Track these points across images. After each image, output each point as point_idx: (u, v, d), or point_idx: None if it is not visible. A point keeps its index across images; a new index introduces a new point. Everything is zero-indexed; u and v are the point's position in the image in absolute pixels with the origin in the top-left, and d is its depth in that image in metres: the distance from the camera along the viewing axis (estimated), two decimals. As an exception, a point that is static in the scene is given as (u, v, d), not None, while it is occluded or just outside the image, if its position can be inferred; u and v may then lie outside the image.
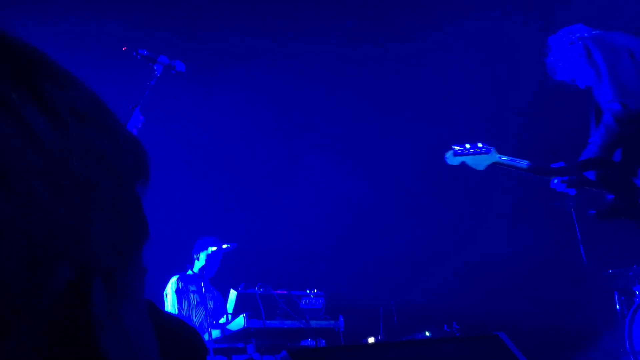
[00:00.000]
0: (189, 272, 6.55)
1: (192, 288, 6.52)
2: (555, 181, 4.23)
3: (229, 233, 6.93)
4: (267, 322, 5.96)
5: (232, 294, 6.05)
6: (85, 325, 0.48)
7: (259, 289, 6.12)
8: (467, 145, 4.44)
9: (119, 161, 0.53)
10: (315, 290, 6.33)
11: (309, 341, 6.26)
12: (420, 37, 8.44)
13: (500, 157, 4.41)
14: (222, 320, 6.04)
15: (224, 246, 6.47)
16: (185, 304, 6.47)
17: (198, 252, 6.58)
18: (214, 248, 6.49)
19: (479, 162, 4.43)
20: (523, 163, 4.35)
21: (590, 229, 7.76)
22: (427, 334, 6.56)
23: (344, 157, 8.95)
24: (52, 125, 0.49)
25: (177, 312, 6.38)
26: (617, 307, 6.94)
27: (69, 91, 0.53)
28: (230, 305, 6.03)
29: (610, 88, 3.88)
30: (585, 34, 4.23)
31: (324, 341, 6.33)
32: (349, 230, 8.89)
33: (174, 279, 6.56)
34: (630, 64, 3.89)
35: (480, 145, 4.44)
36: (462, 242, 8.75)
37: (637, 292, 6.63)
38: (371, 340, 6.85)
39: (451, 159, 4.47)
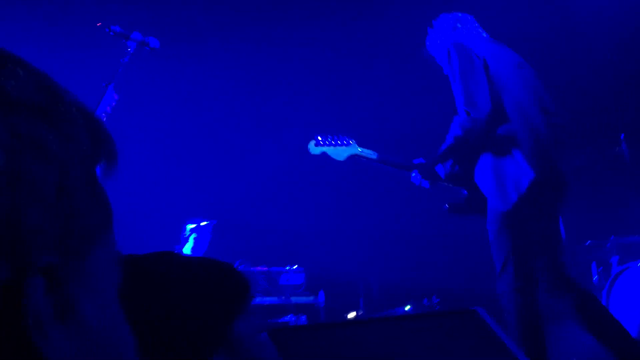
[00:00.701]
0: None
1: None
2: (413, 174, 4.43)
3: (210, 211, 6.90)
4: (247, 299, 5.95)
5: (212, 271, 6.03)
6: (24, 329, 0.46)
7: (238, 266, 6.11)
8: (330, 136, 4.67)
9: (65, 149, 0.50)
10: (295, 266, 6.33)
11: (290, 317, 6.27)
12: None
13: (358, 150, 4.66)
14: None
15: (202, 223, 6.47)
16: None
17: (183, 234, 6.58)
18: (192, 226, 6.48)
19: (339, 153, 4.69)
20: (373, 155, 4.61)
21: (569, 202, 7.82)
22: (407, 308, 6.59)
23: (321, 130, 8.91)
24: None
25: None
26: (595, 278, 7.02)
27: (9, 80, 0.49)
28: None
29: (460, 95, 4.04)
30: (458, 33, 4.40)
31: (304, 317, 6.35)
32: (328, 205, 8.88)
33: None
34: (483, 77, 4.05)
35: (340, 137, 4.67)
36: (441, 216, 8.77)
37: (613, 264, 6.69)
38: (352, 315, 6.87)
39: (313, 149, 4.72)
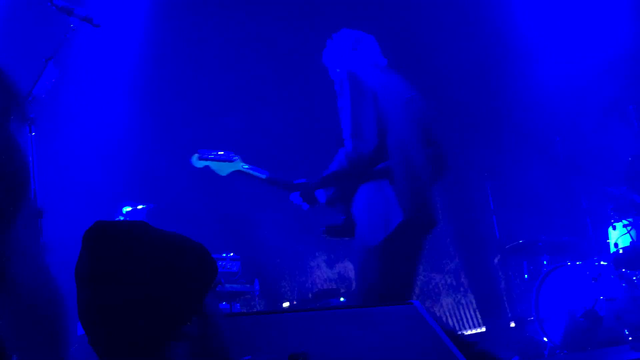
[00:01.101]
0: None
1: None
2: (292, 195, 4.54)
3: (146, 195, 6.81)
4: (182, 285, 5.90)
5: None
6: None
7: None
8: (213, 151, 4.71)
9: None
10: (232, 254, 6.30)
11: (224, 305, 6.24)
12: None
13: (243, 166, 4.71)
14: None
15: (139, 207, 6.38)
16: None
17: (118, 216, 6.46)
18: (129, 209, 6.38)
19: (222, 169, 4.73)
20: (262, 174, 4.67)
21: (504, 203, 7.99)
22: (342, 299, 6.62)
23: (262, 113, 8.86)
24: None
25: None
26: (526, 276, 7.17)
27: None
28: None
29: (348, 125, 4.12)
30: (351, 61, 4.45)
31: (239, 305, 6.33)
32: (266, 193, 8.85)
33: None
34: (372, 111, 4.11)
35: (222, 152, 4.71)
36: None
37: (544, 262, 6.85)
38: (286, 305, 6.88)
39: (196, 162, 4.76)
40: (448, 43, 8.37)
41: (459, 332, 7.34)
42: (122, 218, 6.40)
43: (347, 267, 8.91)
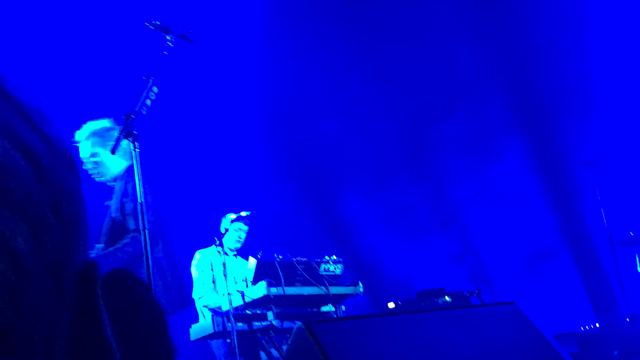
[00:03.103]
0: (213, 246, 6.59)
1: (215, 260, 6.55)
2: None
3: (249, 203, 6.95)
4: (287, 289, 5.98)
5: (252, 262, 6.08)
6: None
7: (278, 257, 6.14)
8: None
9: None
10: (335, 257, 6.33)
11: (330, 307, 6.28)
12: None
13: None
14: (243, 288, 6.08)
15: (243, 214, 6.52)
16: (207, 275, 6.50)
17: (222, 225, 6.62)
18: (233, 216, 6.53)
19: None
20: None
21: (611, 194, 7.74)
22: (447, 299, 6.56)
23: (361, 118, 8.89)
24: None
25: (200, 285, 6.44)
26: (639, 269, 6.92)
27: None
28: (250, 273, 6.05)
29: None
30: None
31: (343, 307, 6.35)
32: (368, 196, 8.87)
33: (196, 255, 6.61)
34: None
35: None
36: (485, 212, 8.72)
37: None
38: (391, 305, 6.86)
39: None
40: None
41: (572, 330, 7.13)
42: (228, 226, 6.55)
43: (452, 266, 8.83)
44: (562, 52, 8.36)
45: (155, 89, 4.02)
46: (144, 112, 3.96)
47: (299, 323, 2.69)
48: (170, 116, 7.33)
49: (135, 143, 3.84)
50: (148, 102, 3.98)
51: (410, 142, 8.78)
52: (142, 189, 3.77)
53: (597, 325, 7.16)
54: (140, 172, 3.79)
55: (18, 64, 6.88)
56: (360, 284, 6.30)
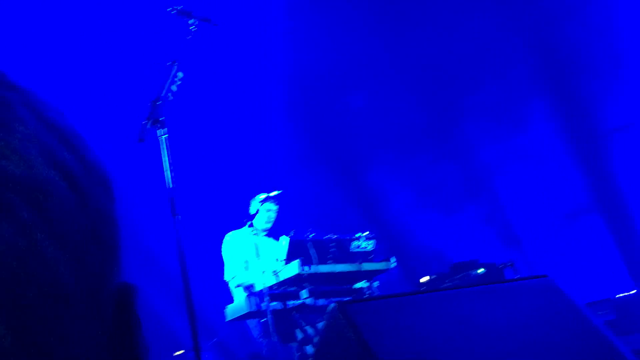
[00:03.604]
0: (244, 227, 6.62)
1: (247, 241, 6.58)
2: None
3: (278, 183, 6.96)
4: (320, 267, 6.00)
5: (284, 240, 6.10)
6: None
7: (310, 235, 6.15)
8: None
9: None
10: (367, 233, 6.33)
11: (364, 283, 6.29)
12: None
13: None
14: (276, 267, 6.10)
15: (272, 194, 6.53)
16: (240, 257, 6.54)
17: (252, 207, 6.64)
18: (263, 196, 6.55)
19: None
20: None
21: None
22: (481, 271, 6.53)
23: (387, 92, 8.84)
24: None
25: (232, 266, 6.48)
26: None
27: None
28: (283, 252, 6.08)
29: None
30: None
31: (377, 283, 6.36)
32: (396, 170, 8.83)
33: (227, 236, 6.64)
34: None
35: None
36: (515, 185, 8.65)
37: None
38: (424, 279, 6.85)
39: None
40: None
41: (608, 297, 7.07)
42: (258, 206, 6.57)
43: (484, 236, 8.79)
44: (590, 9, 8.19)
45: (180, 74, 4.03)
46: (170, 98, 3.97)
47: (332, 304, 2.69)
48: (195, 99, 7.35)
49: (163, 129, 3.85)
50: (174, 87, 3.98)
51: (437, 113, 8.72)
52: (171, 175, 3.79)
53: (635, 291, 7.08)
54: (168, 157, 3.81)
55: (42, 55, 6.93)
56: (393, 259, 6.29)
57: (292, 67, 8.55)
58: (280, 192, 6.61)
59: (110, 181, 0.54)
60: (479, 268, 6.53)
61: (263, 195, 6.58)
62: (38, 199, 0.46)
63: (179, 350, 7.42)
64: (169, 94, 3.97)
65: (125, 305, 0.52)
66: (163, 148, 3.81)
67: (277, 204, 6.61)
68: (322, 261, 6.04)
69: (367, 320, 2.55)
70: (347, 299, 6.09)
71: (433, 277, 6.83)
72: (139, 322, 0.53)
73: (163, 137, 3.83)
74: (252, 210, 6.63)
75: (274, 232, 6.65)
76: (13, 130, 0.47)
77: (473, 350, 2.44)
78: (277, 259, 6.15)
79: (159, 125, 3.85)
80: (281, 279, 5.96)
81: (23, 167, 0.46)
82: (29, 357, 0.43)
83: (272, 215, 6.61)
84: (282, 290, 6.03)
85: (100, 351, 0.48)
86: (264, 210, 6.59)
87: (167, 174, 3.78)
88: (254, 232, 6.61)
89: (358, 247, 6.26)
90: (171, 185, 3.77)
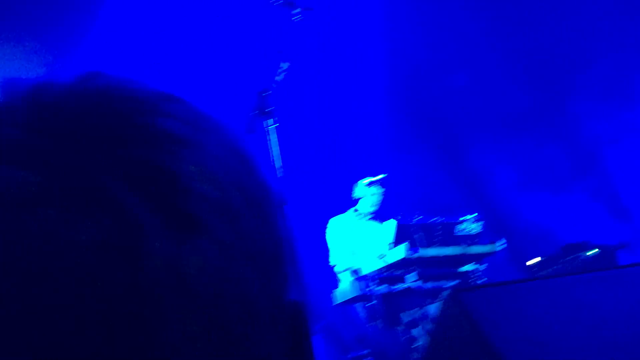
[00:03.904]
0: (349, 211, 6.67)
1: (352, 225, 6.62)
2: None
3: (382, 167, 6.96)
4: (426, 250, 5.98)
5: (391, 224, 6.11)
6: None
7: (416, 218, 6.14)
8: None
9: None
10: (474, 216, 6.26)
11: (470, 266, 6.24)
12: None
13: None
14: (382, 251, 6.12)
15: (377, 177, 6.55)
16: (345, 240, 6.58)
17: (356, 191, 6.67)
18: (367, 180, 6.57)
19: None
20: None
21: None
22: (593, 252, 6.34)
23: (491, 71, 8.67)
24: None
25: (337, 251, 6.53)
26: None
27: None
28: (389, 236, 6.09)
29: None
30: None
31: (484, 266, 6.29)
32: (502, 149, 8.68)
33: (332, 221, 6.69)
34: None
35: None
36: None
37: None
38: (533, 261, 6.73)
39: None
40: None
41: None
42: (364, 190, 6.59)
43: (594, 216, 8.54)
44: None
45: (285, 64, 4.07)
46: (277, 88, 4.02)
47: (445, 292, 2.68)
48: (299, 85, 7.42)
49: (271, 119, 3.91)
50: (279, 77, 4.04)
51: (543, 91, 8.49)
52: (280, 164, 3.85)
53: None
54: (278, 147, 3.86)
55: (151, 50, 7.14)
56: (500, 242, 6.21)
57: (393, 48, 8.50)
58: (384, 175, 6.60)
59: (278, 200, 0.56)
60: (591, 249, 6.34)
61: (368, 179, 6.59)
62: (231, 220, 0.47)
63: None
64: (275, 84, 4.02)
65: (300, 323, 0.53)
66: (271, 138, 3.87)
67: (381, 188, 6.62)
68: (429, 245, 6.02)
69: (482, 309, 2.52)
70: (454, 282, 6.06)
71: (542, 259, 6.69)
72: (311, 338, 0.54)
73: (271, 127, 3.89)
74: (356, 195, 6.65)
75: (379, 216, 6.66)
76: (204, 154, 0.49)
77: (592, 341, 2.38)
78: (382, 243, 6.16)
79: (266, 116, 3.91)
80: (387, 262, 5.97)
81: (216, 190, 0.47)
82: None
83: (377, 199, 6.62)
84: (388, 274, 6.05)
85: None
86: (368, 194, 6.60)
87: (277, 163, 3.85)
88: (359, 216, 6.64)
89: (464, 230, 6.20)
90: (280, 175, 3.83)
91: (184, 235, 0.44)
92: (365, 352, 5.85)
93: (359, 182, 6.64)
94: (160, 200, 0.45)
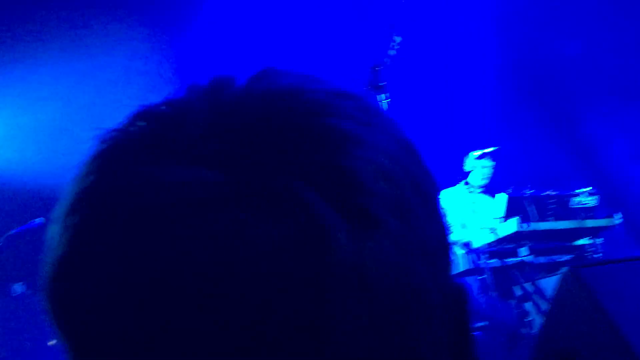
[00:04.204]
0: (460, 184, 6.62)
1: (463, 198, 6.58)
2: None
3: (492, 139, 6.87)
4: (539, 224, 5.88)
5: (502, 198, 6.03)
6: None
7: (528, 191, 6.04)
8: None
9: None
10: (589, 189, 6.10)
11: (586, 240, 6.09)
12: None
13: None
14: (494, 225, 6.06)
15: (488, 150, 6.47)
16: (456, 214, 6.55)
17: (467, 164, 6.61)
18: (478, 153, 6.50)
19: None
20: None
21: None
22: None
23: (606, 39, 8.36)
24: None
25: (448, 224, 6.49)
26: None
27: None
28: (500, 209, 6.01)
29: None
30: None
31: (601, 240, 6.13)
32: (616, 121, 8.38)
33: (441, 194, 6.66)
34: None
35: None
36: None
37: None
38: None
39: None
40: None
41: None
42: (474, 163, 6.52)
43: None
44: None
45: (397, 38, 4.06)
46: (389, 62, 4.02)
47: (564, 269, 2.64)
48: (411, 58, 7.38)
49: (384, 94, 3.92)
50: (392, 52, 4.03)
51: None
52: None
53: None
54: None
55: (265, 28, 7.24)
56: (618, 216, 6.03)
57: (504, 18, 8.31)
58: (496, 148, 6.52)
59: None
60: None
61: (478, 152, 6.51)
62: (405, 214, 0.49)
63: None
64: (388, 59, 4.02)
65: (463, 305, 0.55)
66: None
67: (493, 160, 6.53)
68: (542, 218, 5.91)
69: (604, 286, 2.48)
70: (568, 256, 5.93)
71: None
72: (471, 319, 0.56)
73: (384, 102, 3.90)
74: (467, 168, 6.59)
75: (490, 189, 6.58)
76: (377, 152, 0.50)
77: None
78: (494, 217, 6.09)
79: (379, 91, 3.92)
80: (499, 236, 5.91)
81: (390, 186, 0.49)
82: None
83: (488, 171, 6.54)
84: (500, 247, 5.98)
85: (443, 351, 0.52)
86: (479, 167, 6.53)
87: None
88: (470, 189, 6.59)
89: (579, 203, 6.05)
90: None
91: (363, 232, 0.46)
92: (481, 324, 5.82)
93: (470, 154, 6.57)
94: (340, 199, 0.46)
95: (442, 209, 0.56)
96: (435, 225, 0.53)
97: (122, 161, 0.49)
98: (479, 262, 5.96)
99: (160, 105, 0.52)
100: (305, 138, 0.48)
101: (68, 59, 7.75)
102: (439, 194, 0.56)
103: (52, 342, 6.52)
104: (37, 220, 7.20)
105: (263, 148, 0.48)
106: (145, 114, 0.52)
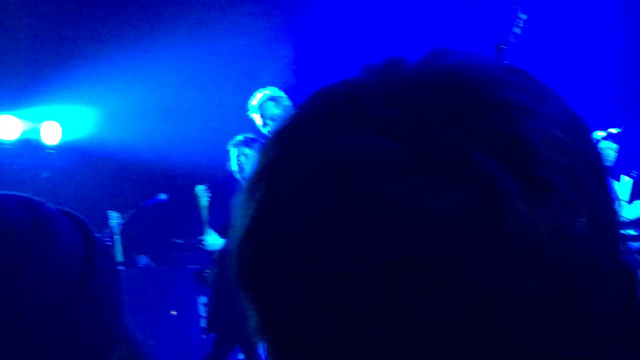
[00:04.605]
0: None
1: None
2: None
3: (618, 120, 6.67)
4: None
5: (626, 180, 5.86)
6: None
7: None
8: None
9: None
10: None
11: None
12: None
13: None
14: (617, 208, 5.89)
15: (612, 131, 6.30)
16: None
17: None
18: (600, 134, 6.34)
19: None
20: None
21: None
22: None
23: None
24: None
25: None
26: None
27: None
28: (625, 193, 5.85)
29: None
30: None
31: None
32: None
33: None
34: None
35: None
36: None
37: None
38: None
39: None
40: None
41: None
42: (600, 144, 6.35)
43: None
44: None
45: (523, 15, 4.01)
46: (514, 41, 3.98)
47: None
48: (535, 37, 7.25)
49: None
50: (517, 30, 3.99)
51: None
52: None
53: None
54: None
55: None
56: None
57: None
58: (620, 129, 6.31)
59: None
60: None
61: (601, 133, 6.34)
62: (578, 182, 0.50)
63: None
64: (513, 38, 3.98)
65: (633, 282, 0.54)
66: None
67: (616, 143, 6.34)
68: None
69: None
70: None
71: None
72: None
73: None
74: (592, 149, 6.42)
75: (613, 172, 6.39)
76: (548, 122, 0.51)
77: None
78: (619, 200, 5.92)
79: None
80: (624, 219, 5.74)
81: (563, 155, 0.50)
82: (574, 331, 0.48)
83: (612, 154, 6.35)
84: (624, 231, 5.82)
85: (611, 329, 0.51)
86: (603, 148, 6.36)
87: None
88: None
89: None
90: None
91: (539, 199, 0.47)
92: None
93: (593, 134, 6.40)
94: (516, 166, 0.47)
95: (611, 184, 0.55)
96: (607, 198, 0.53)
97: (303, 132, 0.52)
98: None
99: (337, 85, 0.55)
100: (480, 108, 0.50)
101: (192, 43, 8.03)
102: (606, 170, 0.55)
103: (174, 312, 6.82)
104: (162, 195, 7.53)
105: (438, 118, 0.49)
106: (323, 93, 0.55)
